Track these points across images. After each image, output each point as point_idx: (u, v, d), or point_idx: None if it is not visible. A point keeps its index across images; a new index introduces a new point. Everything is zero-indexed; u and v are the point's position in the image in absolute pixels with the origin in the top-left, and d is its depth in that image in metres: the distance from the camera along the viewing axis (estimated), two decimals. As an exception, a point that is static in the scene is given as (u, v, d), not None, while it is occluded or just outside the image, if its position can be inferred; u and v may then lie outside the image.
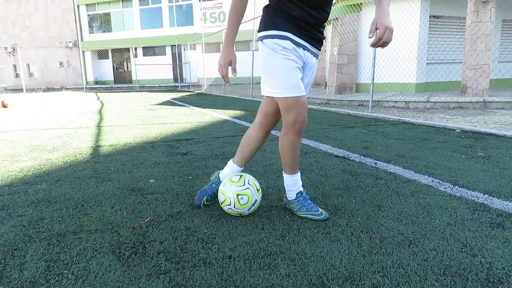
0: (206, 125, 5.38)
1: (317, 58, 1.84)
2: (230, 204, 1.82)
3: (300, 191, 1.87)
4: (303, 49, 1.71)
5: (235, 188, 1.83)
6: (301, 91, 1.68)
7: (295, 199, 1.86)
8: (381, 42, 1.50)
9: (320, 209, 1.84)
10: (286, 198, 1.92)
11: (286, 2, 1.63)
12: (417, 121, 5.15)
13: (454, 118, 5.46)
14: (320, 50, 1.83)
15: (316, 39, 1.74)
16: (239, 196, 1.81)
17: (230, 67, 1.71)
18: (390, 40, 1.50)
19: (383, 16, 1.51)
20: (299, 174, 1.88)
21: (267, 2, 1.73)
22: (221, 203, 1.86)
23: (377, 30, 1.51)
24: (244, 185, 1.84)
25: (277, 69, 1.65)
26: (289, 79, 1.65)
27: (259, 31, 1.72)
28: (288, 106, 1.68)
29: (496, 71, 9.89)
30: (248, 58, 14.43)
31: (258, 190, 1.87)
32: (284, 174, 1.89)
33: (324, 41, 1.83)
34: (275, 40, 1.64)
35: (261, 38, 1.70)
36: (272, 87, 1.69)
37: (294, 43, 1.66)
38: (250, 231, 1.70)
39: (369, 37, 1.49)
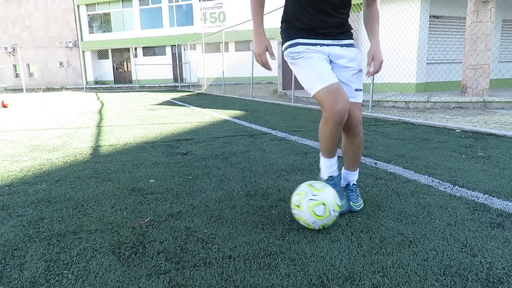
0: (206, 125, 5.38)
1: (350, 47, 1.82)
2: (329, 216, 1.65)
3: (332, 176, 1.90)
4: (320, 46, 1.77)
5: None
6: (330, 79, 1.68)
7: (326, 180, 1.91)
8: (375, 73, 1.80)
9: (344, 199, 1.87)
10: (338, 197, 1.83)
11: (295, 14, 1.75)
12: (417, 121, 5.15)
13: (454, 118, 5.46)
14: (347, 39, 1.82)
15: (334, 34, 1.78)
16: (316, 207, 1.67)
17: (267, 53, 1.77)
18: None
19: (377, 49, 1.78)
20: (335, 158, 1.90)
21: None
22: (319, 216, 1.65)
23: (373, 62, 1.78)
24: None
25: (301, 72, 1.76)
26: (313, 73, 1.71)
27: (281, 45, 1.88)
28: (322, 98, 1.69)
29: (496, 71, 9.89)
30: (248, 58, 14.42)
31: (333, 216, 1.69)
32: (320, 155, 1.92)
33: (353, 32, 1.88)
34: (289, 49, 1.78)
35: (283, 51, 1.86)
36: (307, 89, 1.77)
37: (305, 45, 1.75)
38: (250, 231, 1.70)
39: (368, 70, 1.78)
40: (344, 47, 1.81)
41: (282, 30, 1.84)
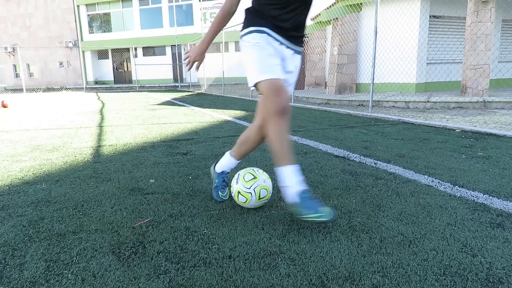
0: (206, 125, 5.38)
1: (299, 54, 1.88)
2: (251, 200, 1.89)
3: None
4: (280, 43, 1.78)
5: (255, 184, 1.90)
6: (278, 74, 1.70)
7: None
8: None
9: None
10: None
11: (264, 5, 1.75)
12: (417, 121, 5.15)
13: (454, 118, 5.46)
14: (300, 47, 1.87)
15: (293, 36, 1.80)
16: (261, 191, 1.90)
17: (195, 64, 1.92)
18: None
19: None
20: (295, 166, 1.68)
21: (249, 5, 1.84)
22: (243, 202, 1.93)
23: None
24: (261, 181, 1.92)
25: (253, 59, 1.73)
26: (264, 64, 1.70)
27: (240, 31, 1.84)
28: (267, 90, 1.64)
29: (496, 71, 9.89)
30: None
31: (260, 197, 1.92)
32: (279, 169, 1.68)
33: (305, 42, 1.91)
34: (253, 34, 1.74)
35: (241, 36, 1.82)
36: (250, 77, 1.73)
37: (270, 36, 1.75)
38: (250, 231, 1.70)
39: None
40: (295, 54, 1.85)
41: (249, 16, 1.80)
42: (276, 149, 1.66)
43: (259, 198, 1.90)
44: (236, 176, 1.99)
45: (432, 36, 9.08)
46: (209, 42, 1.90)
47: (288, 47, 1.81)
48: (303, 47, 1.91)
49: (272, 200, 2.09)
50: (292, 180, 1.65)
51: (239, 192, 1.90)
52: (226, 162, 2.11)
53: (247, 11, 1.82)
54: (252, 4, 1.82)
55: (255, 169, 1.99)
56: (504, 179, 2.43)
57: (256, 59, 1.72)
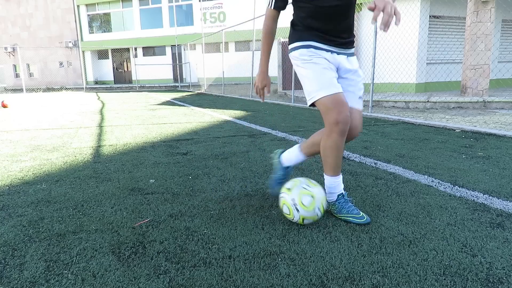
0: (206, 125, 5.38)
1: (352, 56, 1.84)
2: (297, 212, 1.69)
3: (342, 193, 1.84)
4: (331, 53, 1.76)
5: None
6: (336, 89, 1.69)
7: (336, 200, 1.82)
8: (386, 18, 1.32)
9: (361, 212, 1.78)
10: (327, 201, 1.84)
11: (306, 18, 1.74)
12: (417, 121, 5.15)
13: (454, 118, 5.46)
14: (350, 49, 1.82)
15: (341, 43, 1.77)
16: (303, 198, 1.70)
17: (265, 89, 1.92)
18: (396, 13, 1.33)
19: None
20: (341, 176, 1.84)
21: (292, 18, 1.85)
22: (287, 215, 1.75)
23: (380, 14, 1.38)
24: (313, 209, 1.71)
25: (309, 76, 1.74)
26: (321, 80, 1.70)
27: (288, 45, 1.88)
28: (326, 106, 1.68)
29: (496, 71, 9.89)
30: (248, 58, 14.42)
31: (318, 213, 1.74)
32: (325, 176, 1.84)
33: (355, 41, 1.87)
34: (300, 50, 1.75)
35: (289, 51, 1.84)
36: (308, 94, 1.75)
37: (317, 49, 1.74)
38: (250, 231, 1.70)
39: (372, 23, 1.34)
40: (349, 57, 1.82)
41: (293, 31, 1.81)
42: (329, 160, 1.78)
43: (324, 210, 1.75)
44: (290, 201, 1.72)
45: (432, 36, 9.08)
46: (266, 64, 1.89)
47: (339, 53, 1.77)
48: (354, 47, 1.87)
49: (272, 200, 2.09)
50: (338, 188, 1.84)
51: (304, 219, 1.70)
52: (294, 157, 2.02)
53: (291, 25, 1.82)
54: (294, 18, 1.81)
55: (304, 184, 1.76)
56: (504, 179, 2.43)
57: (312, 76, 1.71)
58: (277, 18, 1.82)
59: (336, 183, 1.82)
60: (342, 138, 1.71)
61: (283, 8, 1.78)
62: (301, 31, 1.77)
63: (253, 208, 1.98)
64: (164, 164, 2.99)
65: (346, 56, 1.81)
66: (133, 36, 26.07)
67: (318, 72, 1.70)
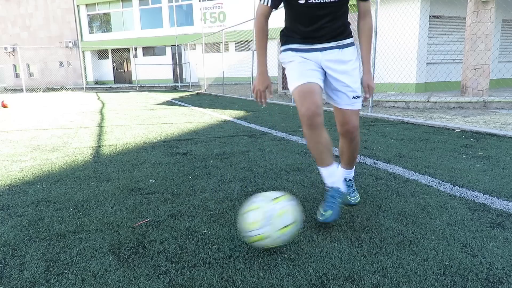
0: (206, 125, 5.38)
1: (349, 47, 1.78)
2: (260, 229, 1.43)
3: (331, 186, 1.80)
4: (314, 51, 1.76)
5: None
6: (305, 79, 1.69)
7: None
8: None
9: (327, 212, 1.71)
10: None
11: (291, 25, 1.78)
12: (417, 121, 5.15)
13: (454, 118, 5.46)
14: (344, 40, 1.76)
15: (327, 39, 1.75)
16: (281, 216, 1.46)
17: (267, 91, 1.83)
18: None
19: (370, 77, 1.88)
20: (330, 168, 1.77)
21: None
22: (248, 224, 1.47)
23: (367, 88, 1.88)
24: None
25: (288, 73, 1.80)
26: (294, 73, 1.74)
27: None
28: (296, 99, 1.71)
29: (496, 71, 9.89)
30: (248, 58, 14.43)
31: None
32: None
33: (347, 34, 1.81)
34: (284, 53, 1.83)
35: (279, 54, 1.92)
36: (290, 90, 1.79)
37: (296, 51, 1.78)
38: (250, 231, 1.70)
39: (364, 97, 1.86)
40: (342, 49, 1.77)
41: (281, 35, 1.88)
42: (311, 152, 1.79)
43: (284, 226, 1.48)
44: (268, 233, 1.44)
45: (432, 36, 9.08)
46: (264, 63, 1.81)
47: (325, 49, 1.75)
48: (349, 38, 1.79)
49: (272, 200, 2.09)
50: (327, 180, 1.82)
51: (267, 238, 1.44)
52: (340, 174, 1.93)
53: (281, 31, 1.87)
54: (284, 24, 1.85)
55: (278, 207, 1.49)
56: (504, 179, 2.43)
57: (289, 72, 1.78)
58: (269, 16, 1.78)
59: (326, 174, 1.79)
60: (311, 131, 1.67)
61: (276, 7, 1.74)
62: (287, 35, 1.81)
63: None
64: (164, 164, 2.99)
65: (338, 49, 1.76)
66: (133, 36, 26.07)
67: (294, 67, 1.75)
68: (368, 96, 1.91)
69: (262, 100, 1.81)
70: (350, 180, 2.07)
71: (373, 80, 1.95)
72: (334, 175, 1.81)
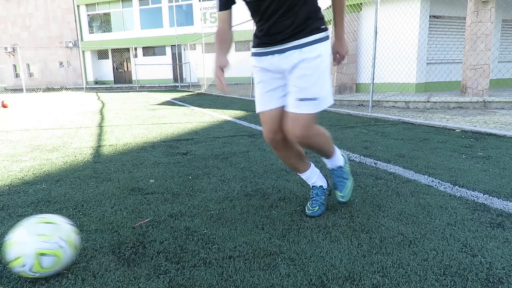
0: (206, 125, 5.38)
1: (312, 45, 1.58)
2: (24, 266, 1.26)
3: (315, 185, 1.96)
4: (272, 55, 1.64)
5: (39, 243, 1.28)
6: (262, 107, 1.76)
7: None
8: (338, 63, 1.86)
9: (315, 208, 1.89)
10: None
11: (256, 24, 1.71)
12: (417, 121, 5.15)
13: (454, 118, 5.46)
14: (308, 36, 1.58)
15: (282, 40, 1.60)
16: (42, 256, 1.27)
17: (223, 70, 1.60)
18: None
19: (341, 44, 1.83)
20: (307, 173, 1.95)
21: None
22: (10, 261, 1.28)
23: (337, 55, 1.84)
24: (54, 240, 1.30)
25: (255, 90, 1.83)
26: (256, 98, 1.80)
27: None
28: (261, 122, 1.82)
29: (496, 71, 9.89)
30: (248, 58, 14.42)
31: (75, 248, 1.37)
32: None
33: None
34: (251, 58, 1.79)
35: None
36: None
37: (257, 55, 1.72)
38: (250, 231, 1.70)
39: (334, 65, 1.83)
40: (302, 48, 1.58)
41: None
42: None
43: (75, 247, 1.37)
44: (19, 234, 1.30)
45: (432, 36, 9.08)
46: (221, 54, 1.61)
47: (282, 52, 1.62)
48: (313, 34, 1.59)
49: (273, 200, 2.09)
50: (309, 181, 1.99)
51: (41, 254, 1.27)
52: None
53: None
54: None
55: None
56: (504, 179, 2.43)
57: (255, 93, 1.82)
58: (229, 19, 1.66)
59: (304, 177, 1.97)
60: (276, 151, 1.84)
61: (221, 9, 1.64)
62: (253, 37, 1.73)
63: (253, 208, 1.98)
64: (164, 164, 2.99)
65: (298, 50, 1.58)
66: (133, 36, 26.07)
67: (256, 89, 1.80)
68: (335, 63, 1.85)
69: (221, 79, 1.51)
70: (339, 167, 1.90)
71: (347, 46, 1.81)
72: (313, 177, 1.96)
